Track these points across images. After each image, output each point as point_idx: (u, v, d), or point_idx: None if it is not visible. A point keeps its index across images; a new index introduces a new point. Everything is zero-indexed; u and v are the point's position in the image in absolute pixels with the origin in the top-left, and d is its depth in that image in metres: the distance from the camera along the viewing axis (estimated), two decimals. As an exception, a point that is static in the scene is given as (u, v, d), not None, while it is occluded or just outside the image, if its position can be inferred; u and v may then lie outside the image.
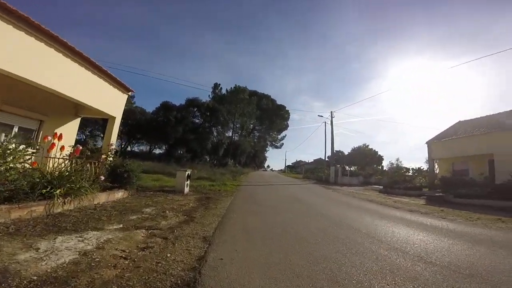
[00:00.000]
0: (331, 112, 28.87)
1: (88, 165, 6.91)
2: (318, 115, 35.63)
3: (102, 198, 6.68)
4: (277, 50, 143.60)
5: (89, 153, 7.07)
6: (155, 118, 25.83)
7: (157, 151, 37.69)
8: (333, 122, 28.59)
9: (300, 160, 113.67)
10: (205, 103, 30.26)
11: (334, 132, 28.65)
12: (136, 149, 41.24)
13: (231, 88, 37.40)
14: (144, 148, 41.08)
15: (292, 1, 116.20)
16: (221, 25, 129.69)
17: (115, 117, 8.91)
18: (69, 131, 8.94)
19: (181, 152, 27.53)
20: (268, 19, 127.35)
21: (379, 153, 35.81)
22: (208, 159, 36.58)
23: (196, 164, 21.40)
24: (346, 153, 52.02)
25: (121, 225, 4.64)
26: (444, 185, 17.47)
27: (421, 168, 32.05)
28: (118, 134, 9.74)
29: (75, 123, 9.38)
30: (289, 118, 51.98)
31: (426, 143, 24.15)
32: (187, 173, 9.81)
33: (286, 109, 50.92)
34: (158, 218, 5.44)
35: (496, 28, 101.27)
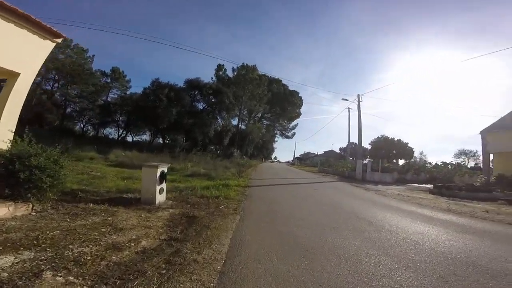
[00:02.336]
0: (358, 95, 24.06)
1: None
2: (343, 99, 29.26)
3: None
4: (283, 41, 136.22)
5: None
6: (142, 98, 21.56)
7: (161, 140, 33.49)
8: (359, 108, 23.86)
9: (308, 152, 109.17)
10: (207, 84, 25.79)
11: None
12: (139, 138, 37.33)
13: (237, 67, 32.51)
14: (147, 137, 37.11)
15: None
16: (224, 16, 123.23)
17: (18, 74, 4.76)
18: None
19: (178, 140, 23.28)
20: (274, 11, 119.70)
21: (409, 145, 30.62)
22: (212, 149, 32.56)
23: (194, 155, 17.32)
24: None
25: None
26: (504, 184, 13.77)
27: (461, 163, 28.06)
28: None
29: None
30: (302, 105, 46.99)
31: (480, 133, 19.31)
32: (159, 171, 5.68)
33: (299, 95, 45.90)
34: None
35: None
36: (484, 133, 17.97)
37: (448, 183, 17.14)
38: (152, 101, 20.21)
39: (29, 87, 5.21)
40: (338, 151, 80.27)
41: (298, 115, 47.61)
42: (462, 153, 34.97)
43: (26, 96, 5.17)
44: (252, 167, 26.48)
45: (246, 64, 31.03)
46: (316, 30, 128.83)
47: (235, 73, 33.44)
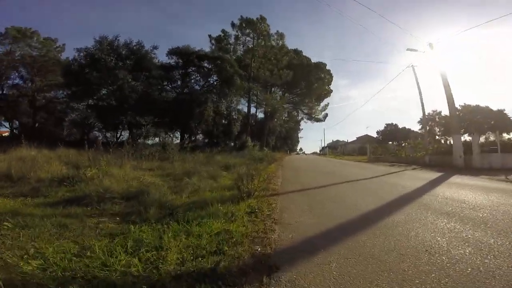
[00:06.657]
0: (430, 44, 14.54)
1: None
2: (407, 49, 16.98)
3: None
4: (290, 29, 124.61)
5: None
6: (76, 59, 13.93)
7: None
8: (435, 62, 14.44)
9: (337, 140, 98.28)
10: (200, 50, 17.80)
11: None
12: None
13: (238, 19, 22.47)
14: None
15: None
16: (226, 10, 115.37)
17: None
18: None
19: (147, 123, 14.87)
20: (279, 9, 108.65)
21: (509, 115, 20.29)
22: (227, 143, 24.75)
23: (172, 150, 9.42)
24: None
25: None
26: None
27: None
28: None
29: None
30: (331, 81, 36.80)
31: None
32: None
33: (327, 68, 35.78)
34: None
35: None
36: None
37: None
38: (87, 65, 12.36)
39: None
40: (375, 135, 70.46)
41: (329, 92, 37.19)
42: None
43: None
44: (277, 161, 18.34)
45: (250, 18, 21.89)
46: (323, 15, 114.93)
47: (236, 30, 23.79)
